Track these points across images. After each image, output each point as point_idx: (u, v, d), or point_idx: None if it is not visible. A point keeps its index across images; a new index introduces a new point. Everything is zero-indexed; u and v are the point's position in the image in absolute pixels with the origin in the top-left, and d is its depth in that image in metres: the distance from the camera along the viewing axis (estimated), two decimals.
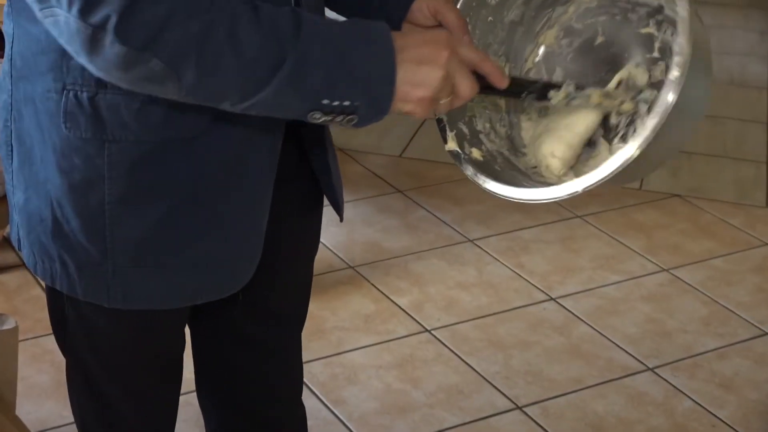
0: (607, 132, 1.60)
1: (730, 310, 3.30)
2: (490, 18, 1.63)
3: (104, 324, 1.61)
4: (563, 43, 1.67)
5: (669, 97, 1.37)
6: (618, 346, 3.10)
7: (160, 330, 1.67)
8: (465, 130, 1.61)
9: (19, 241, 1.59)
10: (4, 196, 2.03)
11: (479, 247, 3.60)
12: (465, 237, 3.65)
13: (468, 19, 1.59)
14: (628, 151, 1.38)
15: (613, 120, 1.59)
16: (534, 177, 1.60)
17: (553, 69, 1.67)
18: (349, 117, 1.33)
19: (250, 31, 1.26)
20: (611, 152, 1.54)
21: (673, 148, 1.56)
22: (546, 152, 1.60)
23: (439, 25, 1.58)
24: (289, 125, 1.53)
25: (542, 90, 1.55)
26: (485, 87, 1.44)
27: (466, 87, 1.38)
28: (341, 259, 3.43)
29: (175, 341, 1.73)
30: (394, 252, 3.53)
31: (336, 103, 1.31)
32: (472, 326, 3.15)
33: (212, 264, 1.54)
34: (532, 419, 2.78)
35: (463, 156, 1.57)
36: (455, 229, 3.67)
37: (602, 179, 1.41)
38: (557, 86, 1.55)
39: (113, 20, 1.21)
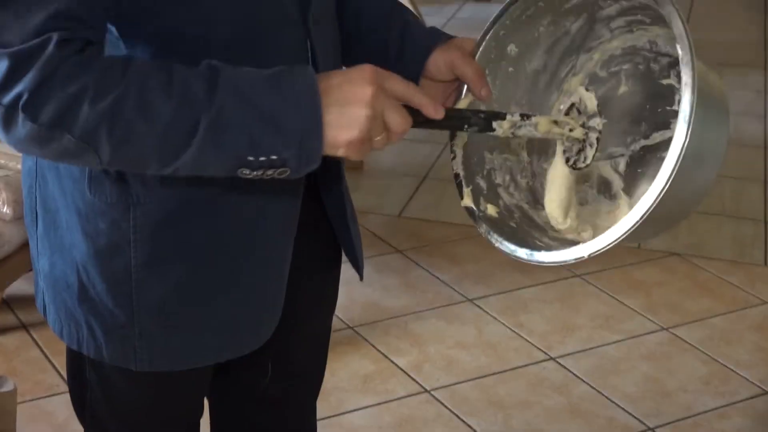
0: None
1: (730, 369, 3.30)
2: (510, 69, 1.61)
3: (127, 387, 1.61)
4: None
5: (678, 142, 1.33)
6: (618, 405, 3.09)
7: (181, 392, 1.67)
8: (482, 184, 1.59)
9: (44, 306, 1.59)
10: (4, 259, 2.03)
11: (478, 306, 3.59)
12: (464, 296, 3.65)
13: (487, 71, 1.58)
14: (642, 207, 1.35)
15: (565, 146, 1.57)
16: (550, 232, 1.57)
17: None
18: (280, 170, 1.30)
19: (161, 97, 1.25)
20: (630, 206, 1.51)
21: (691, 196, 1.53)
22: (547, 200, 1.60)
23: (457, 79, 1.58)
24: (309, 183, 1.53)
25: (486, 121, 1.48)
26: (422, 120, 1.38)
27: (398, 122, 1.33)
28: (340, 319, 3.43)
29: (195, 405, 1.72)
30: (393, 312, 3.52)
31: (263, 158, 1.28)
32: (472, 386, 3.14)
33: (234, 321, 1.54)
34: None
35: (477, 213, 1.56)
36: (454, 289, 3.67)
37: (613, 242, 1.40)
38: (502, 116, 1.49)
39: (24, 98, 1.21)
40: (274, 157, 1.28)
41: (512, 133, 1.50)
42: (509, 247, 1.50)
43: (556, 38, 1.60)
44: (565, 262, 1.43)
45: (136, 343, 1.52)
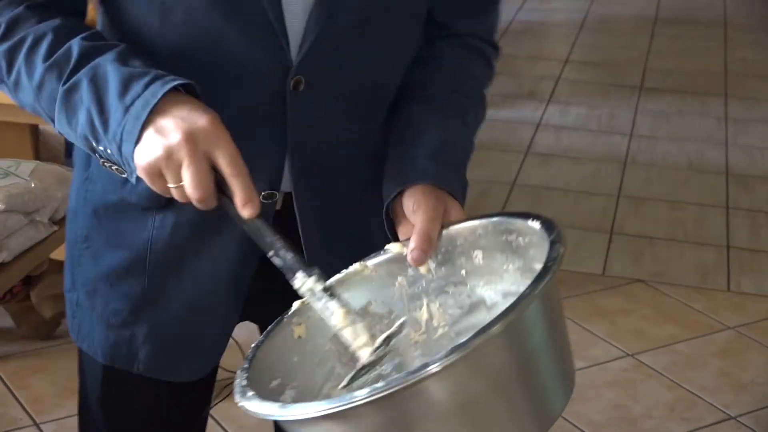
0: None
1: (695, 395, 3.31)
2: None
3: (81, 365, 1.65)
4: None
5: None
6: None
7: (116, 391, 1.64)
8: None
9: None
10: None
11: None
12: None
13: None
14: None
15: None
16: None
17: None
18: (117, 168, 1.30)
19: (43, 56, 1.32)
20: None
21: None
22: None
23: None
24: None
25: (289, 266, 1.28)
26: (231, 210, 1.26)
27: (192, 181, 1.23)
28: None
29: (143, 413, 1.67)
30: None
31: (101, 148, 1.29)
32: None
33: (149, 339, 1.53)
34: None
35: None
36: None
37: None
38: (309, 272, 1.29)
39: None
40: (109, 151, 1.28)
41: (308, 300, 1.30)
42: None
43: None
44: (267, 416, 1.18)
45: (74, 311, 1.57)
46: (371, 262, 1.37)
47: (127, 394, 1.63)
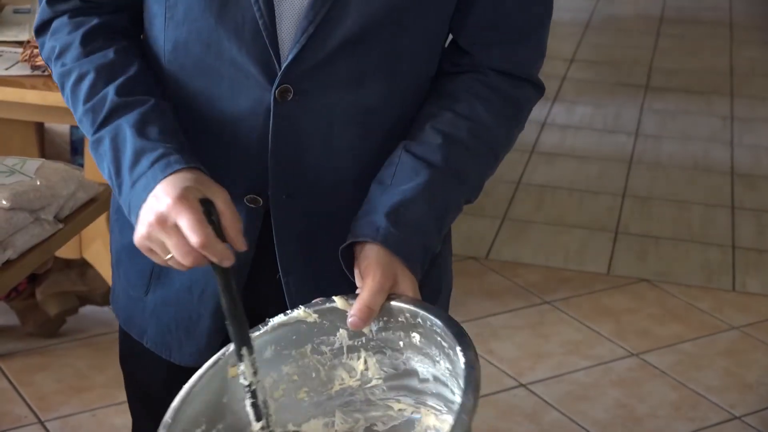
0: None
1: (700, 395, 3.31)
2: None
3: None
4: None
5: None
6: None
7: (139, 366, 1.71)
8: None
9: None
10: None
11: None
12: None
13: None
14: None
15: None
16: None
17: None
18: None
19: (83, 96, 1.45)
20: None
21: None
22: None
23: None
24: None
25: (236, 341, 1.34)
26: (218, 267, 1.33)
27: (177, 254, 1.32)
28: None
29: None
30: None
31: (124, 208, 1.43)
32: None
33: (157, 317, 1.59)
34: None
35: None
36: None
37: None
38: (248, 350, 1.34)
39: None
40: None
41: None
42: None
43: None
44: None
45: (112, 273, 1.67)
46: (314, 310, 1.39)
47: (139, 363, 1.68)
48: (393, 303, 1.35)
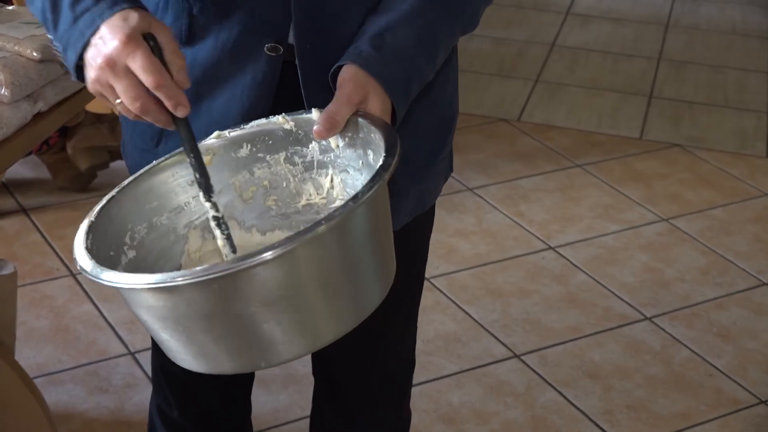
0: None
1: (729, 260, 3.31)
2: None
3: None
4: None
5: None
6: (616, 295, 3.10)
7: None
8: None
9: None
10: (2, 142, 2.02)
11: (479, 195, 3.59)
12: (464, 186, 3.64)
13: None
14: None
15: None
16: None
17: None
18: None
19: None
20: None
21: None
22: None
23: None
24: None
25: (199, 178, 1.34)
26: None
27: (126, 98, 1.30)
28: None
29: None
30: None
31: (50, 36, 1.38)
32: (471, 274, 3.16)
33: None
34: (529, 367, 2.79)
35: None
36: (455, 178, 3.67)
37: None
38: (208, 192, 1.35)
39: None
40: (55, 43, 1.36)
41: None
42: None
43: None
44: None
45: (123, 129, 1.64)
46: (292, 117, 1.42)
47: None
48: (359, 119, 1.37)
